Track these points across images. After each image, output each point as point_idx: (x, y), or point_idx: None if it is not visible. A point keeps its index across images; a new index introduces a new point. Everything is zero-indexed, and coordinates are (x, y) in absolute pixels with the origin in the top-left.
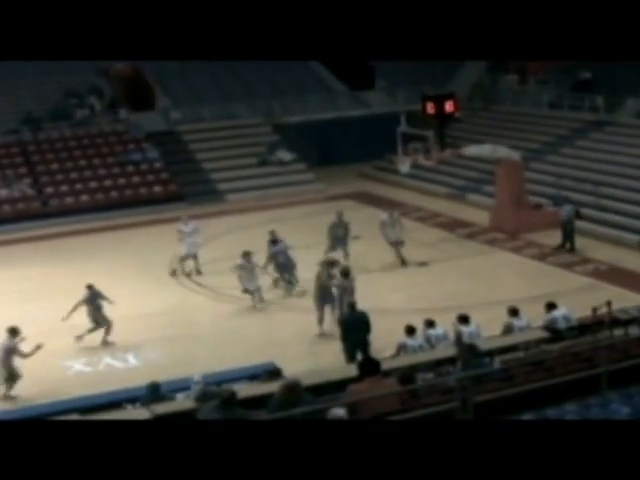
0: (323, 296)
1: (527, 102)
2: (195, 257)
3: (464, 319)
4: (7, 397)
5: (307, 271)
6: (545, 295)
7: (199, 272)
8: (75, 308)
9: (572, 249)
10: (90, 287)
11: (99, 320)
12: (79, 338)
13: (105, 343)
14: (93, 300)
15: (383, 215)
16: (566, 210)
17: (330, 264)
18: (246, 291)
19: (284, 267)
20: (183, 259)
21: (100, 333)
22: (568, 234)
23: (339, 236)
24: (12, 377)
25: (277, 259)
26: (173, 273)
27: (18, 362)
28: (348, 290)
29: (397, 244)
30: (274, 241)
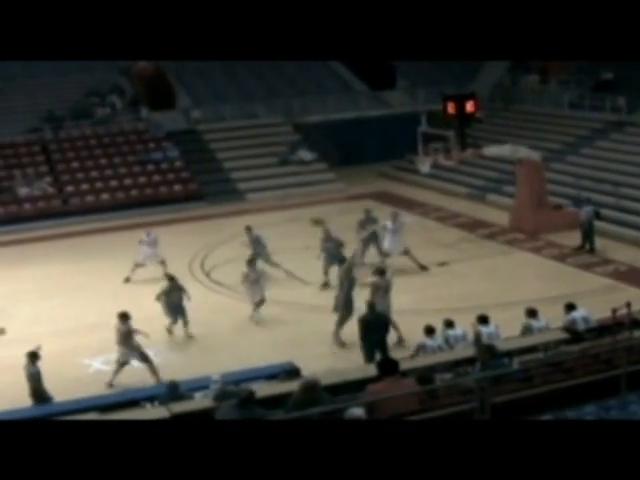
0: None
1: (548, 102)
2: (163, 263)
3: (483, 319)
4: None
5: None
6: (564, 296)
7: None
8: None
9: (592, 250)
10: (172, 278)
11: (175, 312)
12: (169, 332)
13: (189, 336)
14: (173, 292)
15: (387, 221)
16: (586, 211)
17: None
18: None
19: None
20: (137, 266)
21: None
22: (588, 235)
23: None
24: (144, 357)
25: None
26: (127, 280)
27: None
28: (382, 289)
29: (405, 254)
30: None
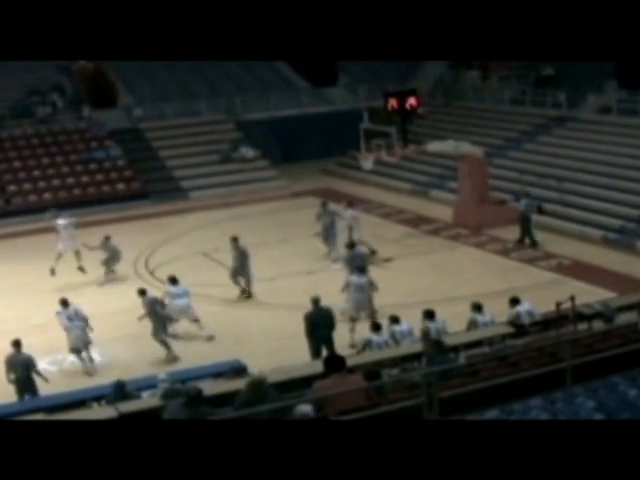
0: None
1: (489, 98)
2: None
3: (430, 315)
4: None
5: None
6: (509, 290)
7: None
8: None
9: (533, 244)
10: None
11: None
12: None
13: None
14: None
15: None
16: (524, 204)
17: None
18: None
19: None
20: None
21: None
22: (526, 228)
23: (327, 225)
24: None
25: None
26: (52, 272)
27: None
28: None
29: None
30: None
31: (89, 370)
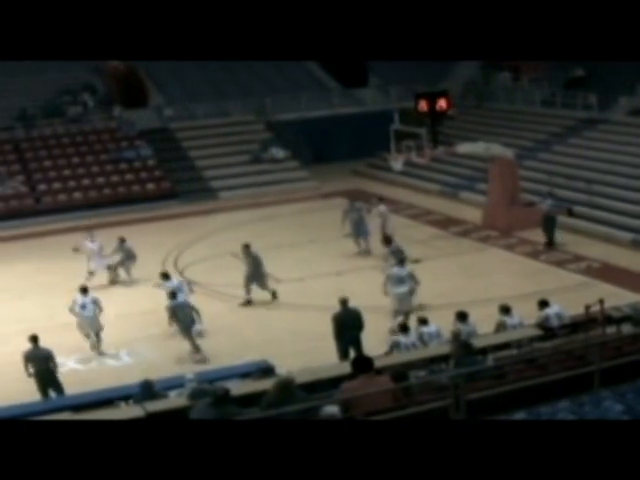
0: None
1: (520, 100)
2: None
3: (463, 316)
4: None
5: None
6: (538, 293)
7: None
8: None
9: (551, 244)
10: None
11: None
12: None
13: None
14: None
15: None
16: (547, 204)
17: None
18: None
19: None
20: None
21: None
22: (548, 229)
23: (356, 221)
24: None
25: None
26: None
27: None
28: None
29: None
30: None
31: (95, 346)
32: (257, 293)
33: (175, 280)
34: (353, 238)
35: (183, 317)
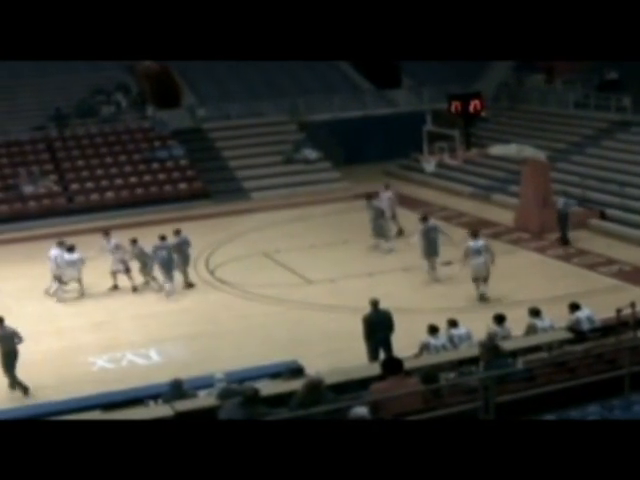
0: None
1: (553, 102)
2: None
3: (500, 319)
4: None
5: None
6: (569, 295)
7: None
8: None
9: (565, 241)
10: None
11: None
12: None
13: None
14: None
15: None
16: (561, 203)
17: None
18: None
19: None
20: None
21: None
22: (563, 226)
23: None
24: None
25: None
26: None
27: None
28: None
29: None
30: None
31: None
32: (292, 292)
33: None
34: (374, 233)
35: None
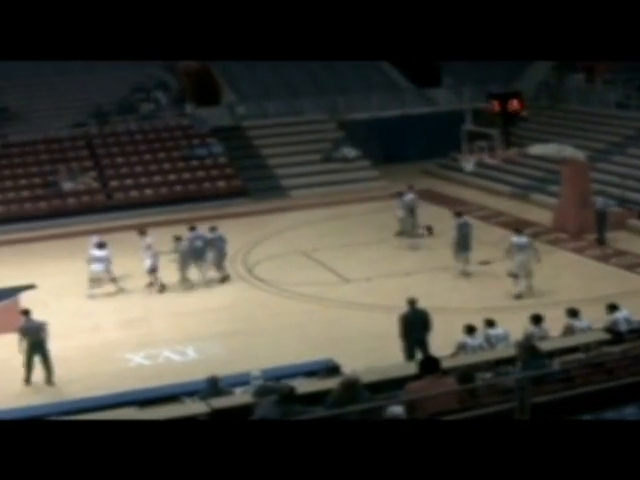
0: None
1: (594, 101)
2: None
3: (537, 320)
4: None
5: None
6: (606, 296)
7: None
8: None
9: (601, 241)
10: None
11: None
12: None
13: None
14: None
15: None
16: (599, 203)
17: None
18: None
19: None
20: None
21: None
22: (601, 226)
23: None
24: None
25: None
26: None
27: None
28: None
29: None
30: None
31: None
32: (329, 291)
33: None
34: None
35: None
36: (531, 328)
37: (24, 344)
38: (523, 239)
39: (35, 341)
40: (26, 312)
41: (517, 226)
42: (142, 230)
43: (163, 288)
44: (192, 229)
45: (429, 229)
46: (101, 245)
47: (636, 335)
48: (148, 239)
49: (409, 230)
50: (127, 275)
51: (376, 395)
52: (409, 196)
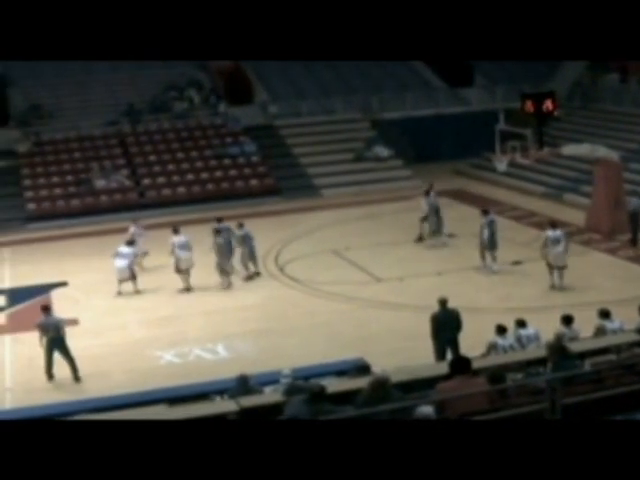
0: None
1: (627, 101)
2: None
3: (567, 320)
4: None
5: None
6: (639, 298)
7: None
8: None
9: (635, 242)
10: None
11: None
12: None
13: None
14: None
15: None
16: (633, 203)
17: None
18: None
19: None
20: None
21: None
22: (634, 226)
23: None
24: None
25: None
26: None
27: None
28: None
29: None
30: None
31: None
32: (360, 290)
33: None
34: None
35: None
36: (562, 329)
37: (44, 340)
38: (558, 232)
39: (54, 337)
40: (46, 308)
41: (553, 220)
42: (176, 229)
43: (187, 290)
44: (219, 221)
45: (451, 235)
46: (130, 243)
47: None
48: (181, 237)
49: (434, 230)
50: (159, 272)
51: (406, 395)
52: (431, 195)
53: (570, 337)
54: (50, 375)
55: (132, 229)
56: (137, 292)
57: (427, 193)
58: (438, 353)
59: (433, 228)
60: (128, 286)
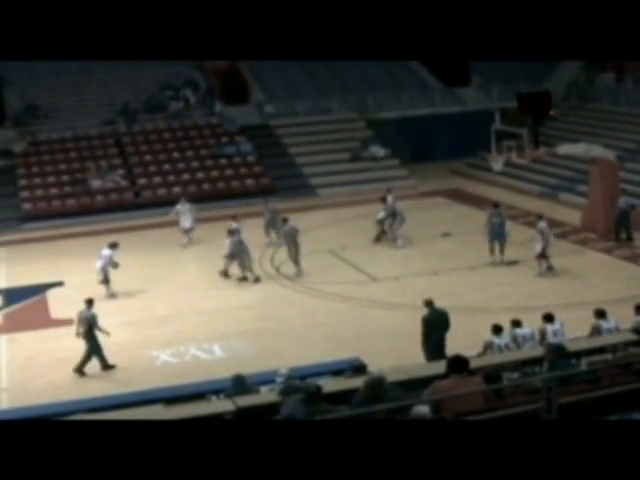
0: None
1: (623, 101)
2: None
3: (549, 317)
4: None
5: (388, 268)
6: (634, 297)
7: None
8: None
9: (629, 238)
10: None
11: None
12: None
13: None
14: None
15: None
16: (621, 202)
17: None
18: None
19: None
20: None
21: None
22: (624, 224)
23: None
24: None
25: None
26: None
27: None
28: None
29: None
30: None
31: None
32: (357, 289)
33: None
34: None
35: None
36: (545, 325)
37: (80, 330)
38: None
39: (85, 330)
40: (89, 302)
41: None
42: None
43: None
44: (234, 217)
45: (446, 235)
46: (112, 245)
47: None
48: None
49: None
50: (158, 272)
51: (402, 394)
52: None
53: (553, 331)
54: (106, 365)
55: (178, 207)
56: (111, 296)
57: (383, 199)
58: (430, 354)
59: (385, 228)
60: (117, 286)
